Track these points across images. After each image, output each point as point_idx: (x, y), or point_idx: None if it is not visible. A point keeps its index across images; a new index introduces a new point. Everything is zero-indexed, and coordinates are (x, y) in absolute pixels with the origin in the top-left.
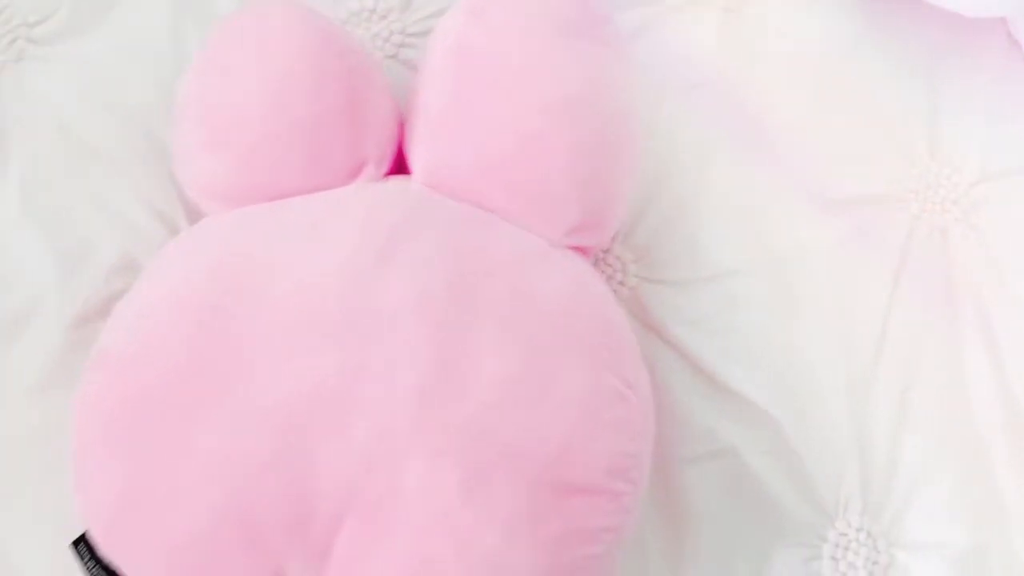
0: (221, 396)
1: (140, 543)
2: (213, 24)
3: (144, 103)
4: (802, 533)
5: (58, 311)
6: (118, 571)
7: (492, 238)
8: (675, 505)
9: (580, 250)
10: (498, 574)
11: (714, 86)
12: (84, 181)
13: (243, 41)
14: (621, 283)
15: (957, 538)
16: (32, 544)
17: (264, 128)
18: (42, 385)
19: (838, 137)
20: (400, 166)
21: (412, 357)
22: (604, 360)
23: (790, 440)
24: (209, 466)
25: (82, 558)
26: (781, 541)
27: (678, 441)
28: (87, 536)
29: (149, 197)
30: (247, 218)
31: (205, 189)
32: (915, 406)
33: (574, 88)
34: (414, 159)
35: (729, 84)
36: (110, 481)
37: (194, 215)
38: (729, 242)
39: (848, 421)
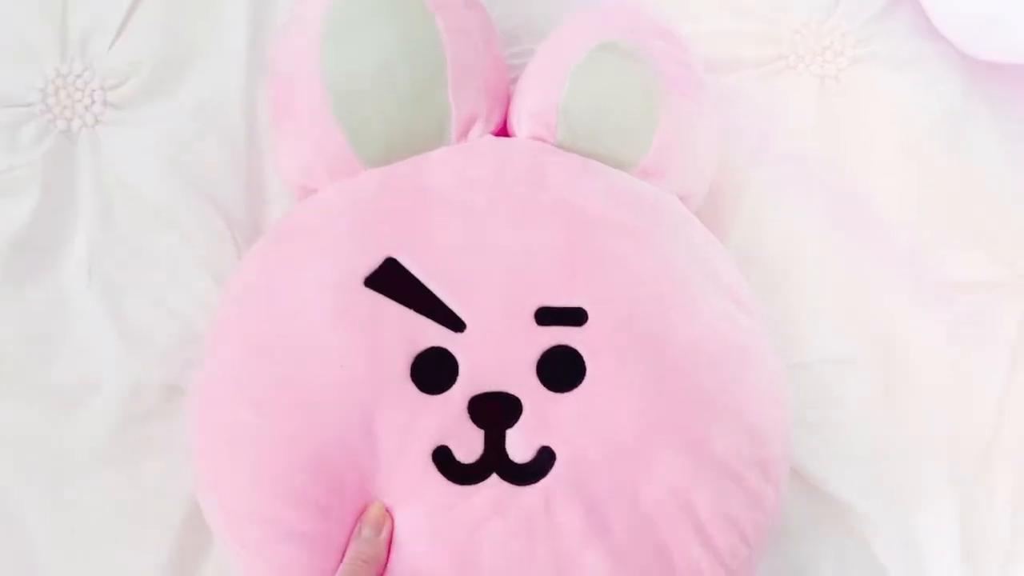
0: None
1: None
2: None
3: (213, 169)
4: None
5: (119, 383)
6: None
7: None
8: None
9: None
10: None
11: (811, 157)
12: (151, 249)
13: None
14: None
15: None
16: None
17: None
18: (100, 458)
19: (945, 216)
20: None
21: None
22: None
23: (890, 548)
24: None
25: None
26: None
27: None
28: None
29: (214, 265)
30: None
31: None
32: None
33: None
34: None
35: (827, 156)
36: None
37: None
38: (826, 326)
39: (955, 530)
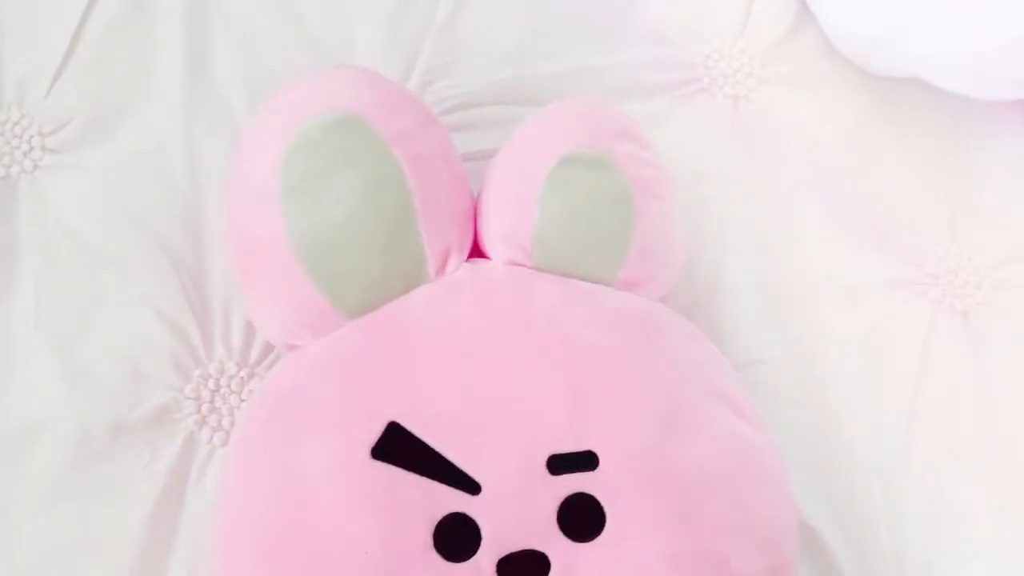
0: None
1: None
2: (225, 130)
3: (156, 211)
4: None
5: (65, 425)
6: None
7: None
8: None
9: None
10: None
11: (728, 174)
12: (96, 290)
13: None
14: None
15: None
16: None
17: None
18: (49, 501)
19: (855, 223)
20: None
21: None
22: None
23: (825, 542)
24: None
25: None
26: None
27: None
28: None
29: (160, 306)
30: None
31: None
32: (949, 506)
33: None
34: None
35: (743, 172)
36: None
37: (204, 324)
38: (753, 332)
39: (884, 521)
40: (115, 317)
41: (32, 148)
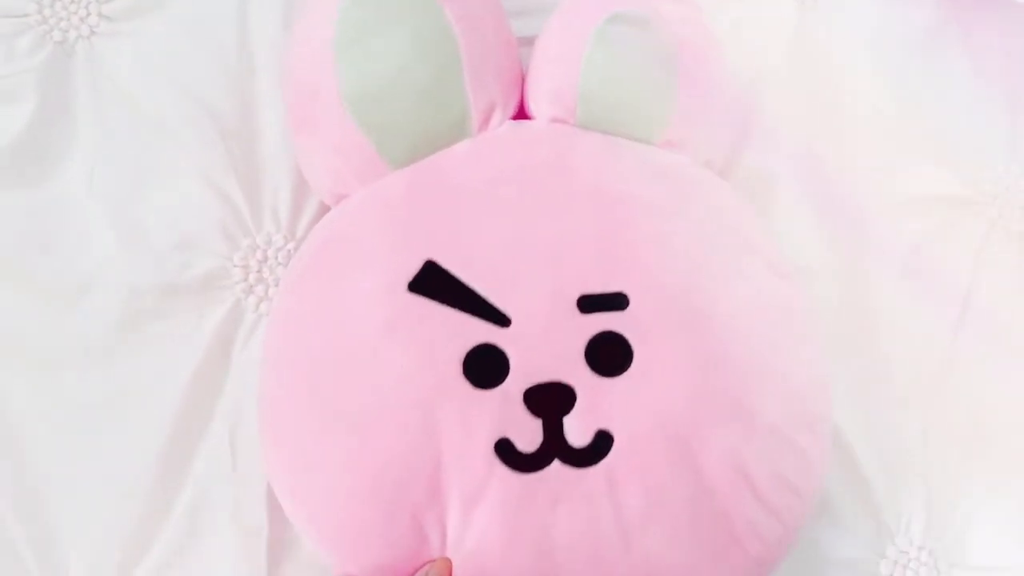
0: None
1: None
2: (277, 4)
3: (207, 80)
4: (860, 548)
5: (116, 283)
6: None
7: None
8: None
9: None
10: None
11: (787, 76)
12: (147, 155)
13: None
14: None
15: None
16: (90, 507)
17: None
18: (99, 354)
19: (915, 134)
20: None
21: None
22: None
23: (855, 453)
24: None
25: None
26: (838, 555)
27: None
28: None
29: (210, 176)
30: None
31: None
32: (986, 425)
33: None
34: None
35: (803, 75)
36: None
37: (252, 192)
38: (800, 239)
39: (918, 436)
40: (167, 184)
41: (89, 14)
